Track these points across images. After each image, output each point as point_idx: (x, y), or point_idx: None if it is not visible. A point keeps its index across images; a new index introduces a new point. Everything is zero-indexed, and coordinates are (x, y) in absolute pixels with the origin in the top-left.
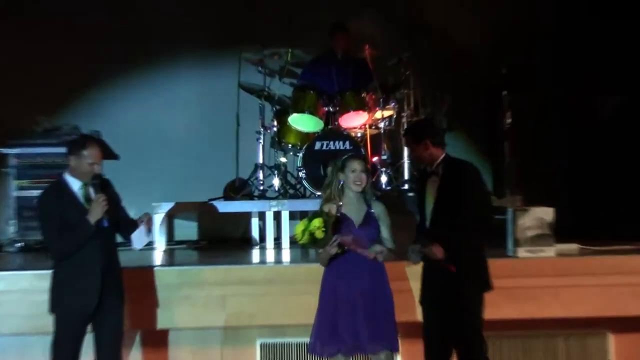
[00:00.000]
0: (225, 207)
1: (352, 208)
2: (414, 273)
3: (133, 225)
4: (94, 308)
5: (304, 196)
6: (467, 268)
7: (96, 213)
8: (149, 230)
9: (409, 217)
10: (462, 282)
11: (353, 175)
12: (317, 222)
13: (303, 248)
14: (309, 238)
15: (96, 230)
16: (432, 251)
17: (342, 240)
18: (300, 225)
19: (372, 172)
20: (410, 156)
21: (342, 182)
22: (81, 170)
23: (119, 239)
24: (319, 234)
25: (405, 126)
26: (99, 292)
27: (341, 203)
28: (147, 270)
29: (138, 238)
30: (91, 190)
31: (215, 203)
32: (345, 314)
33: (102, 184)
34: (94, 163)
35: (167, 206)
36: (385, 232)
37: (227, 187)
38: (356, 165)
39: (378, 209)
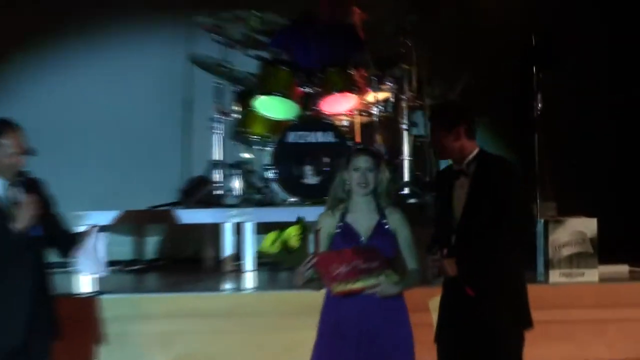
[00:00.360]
0: (171, 217)
1: (359, 216)
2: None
3: (72, 238)
4: (18, 348)
5: (274, 203)
6: (500, 295)
7: (24, 219)
8: (95, 250)
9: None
10: (493, 314)
11: (356, 175)
12: (292, 229)
13: (273, 263)
14: (281, 246)
15: (25, 243)
16: (444, 266)
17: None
18: (271, 234)
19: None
20: (435, 148)
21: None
22: (0, 164)
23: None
24: (294, 242)
25: (406, 112)
26: (26, 327)
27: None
28: (72, 300)
29: (85, 260)
30: (17, 191)
31: (158, 212)
32: (346, 354)
33: (29, 184)
34: (15, 153)
35: (97, 216)
36: (405, 249)
37: (185, 190)
38: (360, 161)
39: (394, 218)
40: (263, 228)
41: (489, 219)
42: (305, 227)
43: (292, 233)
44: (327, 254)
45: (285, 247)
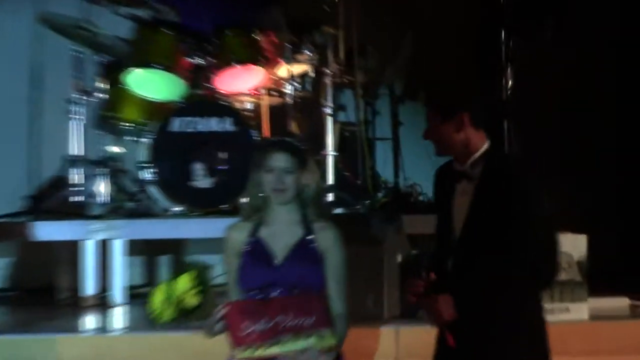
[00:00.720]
0: (14, 232)
1: (276, 230)
2: (387, 345)
3: None
4: None
5: (151, 214)
6: (517, 344)
7: None
8: None
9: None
10: None
11: (270, 177)
12: (184, 282)
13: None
14: (175, 312)
15: None
16: (437, 308)
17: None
18: (158, 292)
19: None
20: (431, 141)
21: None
22: None
23: None
24: (191, 301)
25: (330, 92)
26: None
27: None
28: None
29: None
30: None
31: None
32: None
33: None
34: None
35: None
36: (332, 282)
37: (34, 196)
38: (275, 160)
39: (325, 235)
40: (137, 247)
41: (497, 240)
42: (203, 274)
43: (184, 287)
44: (242, 305)
45: (182, 310)
